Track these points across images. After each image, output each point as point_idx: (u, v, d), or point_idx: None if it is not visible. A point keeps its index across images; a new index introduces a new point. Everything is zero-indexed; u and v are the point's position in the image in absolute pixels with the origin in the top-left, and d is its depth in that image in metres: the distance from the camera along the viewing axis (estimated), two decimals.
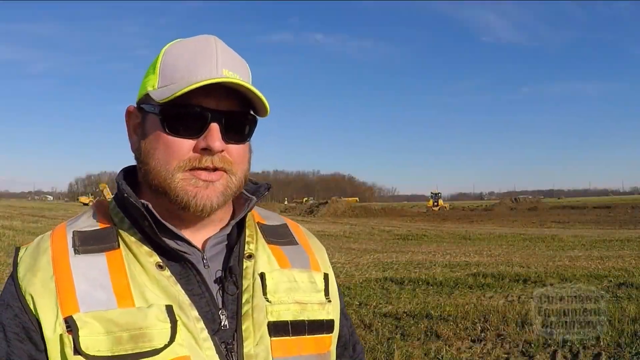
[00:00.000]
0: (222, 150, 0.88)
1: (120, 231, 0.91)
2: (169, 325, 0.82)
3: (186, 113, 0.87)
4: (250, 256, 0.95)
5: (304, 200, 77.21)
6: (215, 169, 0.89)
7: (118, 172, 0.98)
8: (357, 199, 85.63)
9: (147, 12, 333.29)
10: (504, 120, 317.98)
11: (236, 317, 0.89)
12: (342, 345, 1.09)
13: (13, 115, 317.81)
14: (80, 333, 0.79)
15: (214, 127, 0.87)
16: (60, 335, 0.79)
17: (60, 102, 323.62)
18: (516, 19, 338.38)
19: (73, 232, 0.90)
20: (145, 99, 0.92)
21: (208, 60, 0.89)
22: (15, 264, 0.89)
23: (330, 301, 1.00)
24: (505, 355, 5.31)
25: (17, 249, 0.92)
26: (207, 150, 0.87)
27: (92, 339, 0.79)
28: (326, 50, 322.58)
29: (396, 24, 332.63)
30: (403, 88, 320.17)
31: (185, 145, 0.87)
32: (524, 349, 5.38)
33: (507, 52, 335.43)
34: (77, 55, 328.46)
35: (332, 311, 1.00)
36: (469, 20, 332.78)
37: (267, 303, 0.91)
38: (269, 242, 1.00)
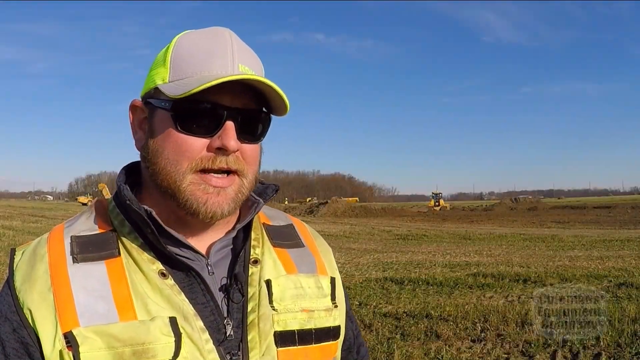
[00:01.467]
0: (237, 150, 0.84)
1: (121, 236, 0.86)
2: (173, 339, 0.78)
3: (200, 110, 0.82)
4: (256, 261, 0.92)
5: (308, 200, 75.99)
6: (228, 171, 0.85)
7: (119, 171, 0.92)
8: (357, 199, 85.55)
9: (147, 12, 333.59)
10: (504, 120, 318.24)
11: (242, 327, 0.86)
12: (347, 349, 1.06)
13: (13, 115, 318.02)
14: (80, 349, 0.75)
15: (230, 125, 0.83)
16: (60, 352, 0.76)
17: (60, 102, 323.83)
18: (516, 19, 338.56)
19: (71, 237, 0.85)
20: (154, 92, 0.86)
21: (223, 54, 0.84)
22: (11, 270, 0.84)
23: (336, 306, 0.97)
24: (505, 355, 5.30)
25: (13, 251, 0.88)
26: (222, 150, 0.82)
27: (93, 355, 0.75)
28: (326, 50, 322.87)
29: (396, 24, 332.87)
30: (403, 88, 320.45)
31: (197, 144, 0.82)
32: (524, 349, 5.38)
33: (507, 52, 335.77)
34: (77, 55, 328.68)
35: (338, 317, 0.97)
36: (469, 20, 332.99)
37: (274, 312, 0.88)
38: (274, 244, 0.97)
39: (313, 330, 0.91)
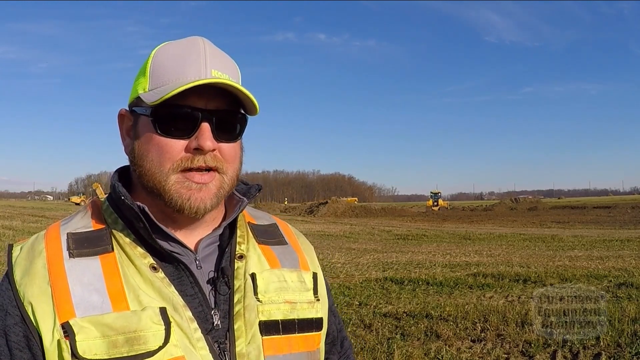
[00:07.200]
0: (214, 150, 0.90)
1: (114, 232, 0.92)
2: (163, 327, 0.84)
3: (177, 114, 0.88)
4: (241, 257, 0.97)
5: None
6: (208, 169, 0.90)
7: (112, 172, 0.99)
8: (357, 199, 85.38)
9: (149, 12, 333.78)
10: (505, 120, 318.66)
11: (228, 317, 0.91)
12: (331, 342, 1.12)
13: (13, 115, 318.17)
14: (77, 338, 0.80)
15: (205, 126, 0.89)
16: (58, 341, 0.80)
17: (61, 102, 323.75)
18: (519, 19, 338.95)
19: (67, 234, 0.91)
20: (137, 101, 0.93)
21: (196, 61, 0.90)
22: (10, 264, 0.89)
23: (318, 300, 1.03)
24: (505, 355, 5.30)
25: (11, 247, 0.92)
26: (199, 150, 0.89)
27: (89, 343, 0.80)
28: (329, 50, 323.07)
29: (399, 24, 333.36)
30: (405, 88, 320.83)
31: (177, 146, 0.89)
32: (524, 349, 5.37)
33: (510, 52, 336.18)
34: (79, 55, 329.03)
35: (320, 309, 1.02)
36: (472, 20, 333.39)
37: (258, 303, 0.93)
38: (259, 242, 1.03)
39: (296, 321, 0.96)
